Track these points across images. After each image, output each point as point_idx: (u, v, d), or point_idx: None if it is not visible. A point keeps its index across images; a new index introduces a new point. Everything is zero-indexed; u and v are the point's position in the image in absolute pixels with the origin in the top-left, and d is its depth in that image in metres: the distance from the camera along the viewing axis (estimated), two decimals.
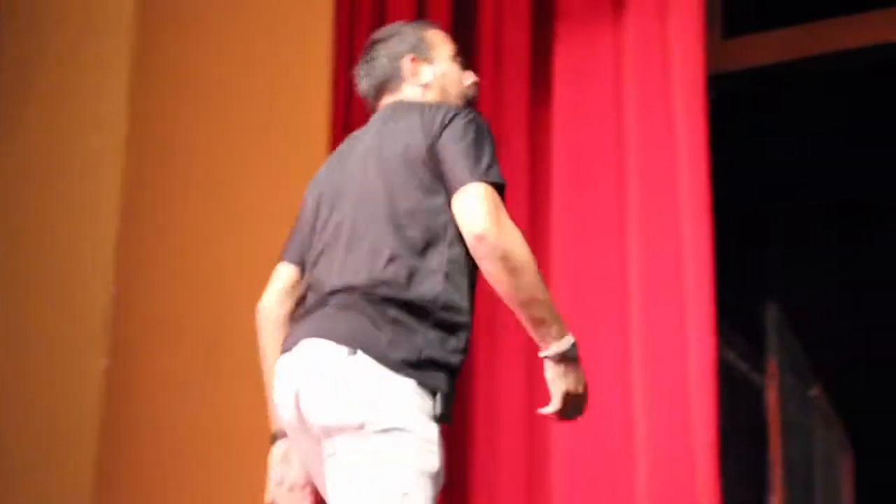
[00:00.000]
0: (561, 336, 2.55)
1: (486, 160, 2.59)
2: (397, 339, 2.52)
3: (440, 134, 2.63)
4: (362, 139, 2.81)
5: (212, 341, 3.94)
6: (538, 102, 4.34)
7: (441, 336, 2.56)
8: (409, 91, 2.85)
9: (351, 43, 4.47)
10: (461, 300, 2.60)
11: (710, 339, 3.84)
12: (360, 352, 2.51)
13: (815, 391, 5.34)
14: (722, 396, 3.85)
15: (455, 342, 2.57)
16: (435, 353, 2.54)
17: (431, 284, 2.57)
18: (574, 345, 2.56)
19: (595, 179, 4.14)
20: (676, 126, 4.07)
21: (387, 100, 2.87)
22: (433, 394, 2.52)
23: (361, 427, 2.48)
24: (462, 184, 2.57)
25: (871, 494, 5.82)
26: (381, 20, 4.30)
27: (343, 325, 2.57)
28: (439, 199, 2.62)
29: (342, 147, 2.90)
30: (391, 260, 2.58)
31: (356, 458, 2.48)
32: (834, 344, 5.96)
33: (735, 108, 4.90)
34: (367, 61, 2.91)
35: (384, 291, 2.56)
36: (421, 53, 2.88)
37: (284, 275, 2.85)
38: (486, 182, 2.56)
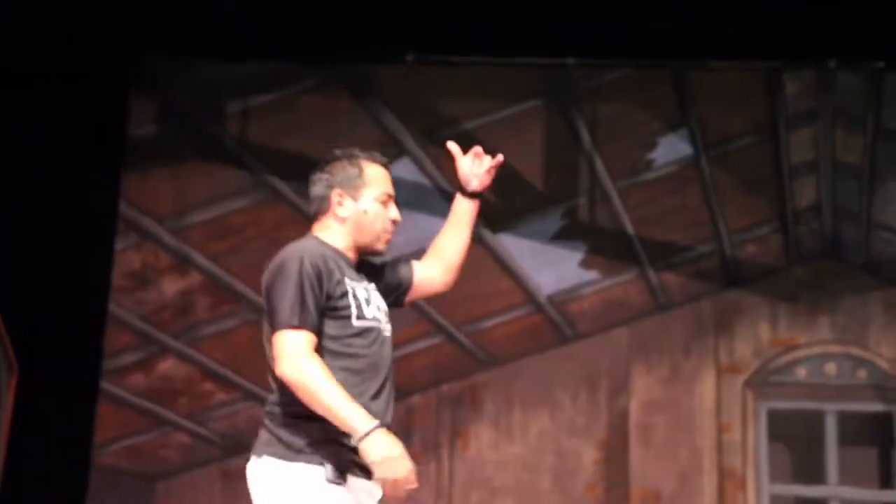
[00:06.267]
0: (352, 431, 2.96)
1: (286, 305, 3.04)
2: None
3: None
4: None
5: None
6: None
7: None
8: (329, 221, 3.19)
9: None
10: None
11: None
12: None
13: None
14: None
15: None
16: None
17: None
18: (367, 435, 2.95)
19: None
20: None
21: (315, 226, 3.22)
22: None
23: None
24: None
25: (27, 412, 5.95)
26: None
27: None
28: None
29: None
30: None
31: None
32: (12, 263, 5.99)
33: None
34: (311, 182, 3.23)
35: None
36: (350, 189, 3.17)
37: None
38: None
